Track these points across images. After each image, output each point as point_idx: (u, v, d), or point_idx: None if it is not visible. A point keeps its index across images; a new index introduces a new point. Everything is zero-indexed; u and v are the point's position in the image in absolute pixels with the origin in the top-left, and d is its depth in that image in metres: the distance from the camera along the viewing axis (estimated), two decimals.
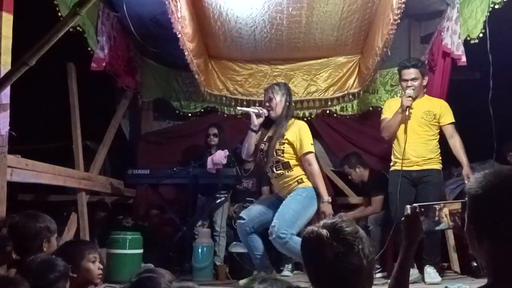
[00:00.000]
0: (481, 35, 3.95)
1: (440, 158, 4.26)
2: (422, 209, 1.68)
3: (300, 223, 3.73)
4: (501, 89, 3.76)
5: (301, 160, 3.87)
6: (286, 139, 3.88)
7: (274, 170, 3.91)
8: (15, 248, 2.57)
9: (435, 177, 4.18)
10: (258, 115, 3.99)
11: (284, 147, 3.87)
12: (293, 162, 3.87)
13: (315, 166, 3.86)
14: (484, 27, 3.89)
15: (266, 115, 3.98)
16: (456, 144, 4.19)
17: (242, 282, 3.81)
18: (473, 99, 4.96)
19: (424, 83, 4.32)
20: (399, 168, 4.21)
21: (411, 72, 4.26)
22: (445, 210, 1.68)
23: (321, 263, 1.45)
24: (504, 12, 3.81)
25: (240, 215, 4.04)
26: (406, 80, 4.26)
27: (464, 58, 4.37)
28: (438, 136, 4.26)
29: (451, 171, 5.55)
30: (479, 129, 4.51)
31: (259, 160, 4.07)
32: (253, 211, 3.93)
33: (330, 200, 3.84)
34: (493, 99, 3.71)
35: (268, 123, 4.02)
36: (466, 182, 4.08)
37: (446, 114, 4.25)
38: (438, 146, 4.26)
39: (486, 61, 3.71)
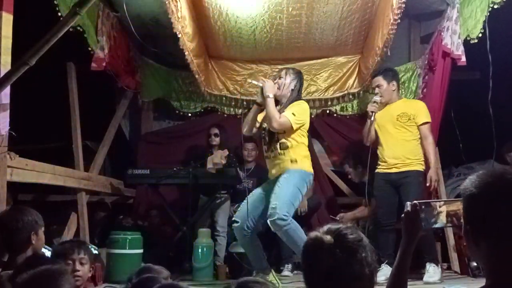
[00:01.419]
0: (480, 35, 3.96)
1: (422, 159, 4.31)
2: (423, 206, 1.67)
3: (296, 205, 3.77)
4: (501, 89, 3.76)
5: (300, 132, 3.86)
6: None
7: (273, 150, 3.89)
8: (3, 242, 2.57)
9: (415, 178, 4.24)
10: None
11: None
12: (291, 143, 3.83)
13: (282, 120, 3.74)
14: (484, 27, 3.89)
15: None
16: (427, 146, 4.28)
17: None
18: (473, 99, 4.96)
19: (393, 88, 4.44)
20: (379, 171, 4.39)
21: (374, 81, 4.50)
22: (443, 208, 1.67)
23: (321, 270, 1.42)
24: (504, 12, 3.81)
25: (233, 218, 4.03)
26: (373, 88, 4.51)
27: (464, 58, 4.38)
28: (418, 137, 4.32)
29: (451, 171, 5.56)
30: (479, 129, 4.51)
31: (260, 139, 4.05)
32: (243, 210, 3.91)
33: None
34: (493, 99, 3.71)
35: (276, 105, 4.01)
36: (427, 184, 4.22)
37: (420, 114, 4.33)
38: (419, 147, 4.32)
39: (486, 61, 3.71)
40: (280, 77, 3.97)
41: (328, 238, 1.44)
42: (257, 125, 4.02)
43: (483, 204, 1.27)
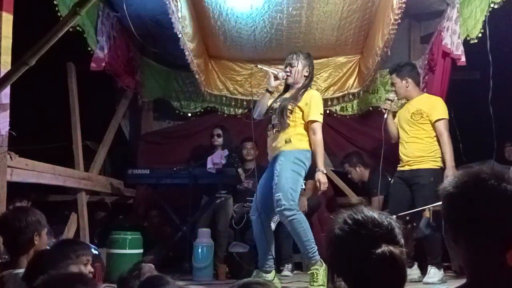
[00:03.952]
0: (480, 35, 3.96)
1: (437, 156, 4.22)
2: (407, 218, 1.68)
3: (298, 189, 3.77)
4: (501, 89, 3.76)
5: (308, 128, 3.86)
6: (298, 105, 3.86)
7: (275, 127, 3.89)
8: (6, 243, 2.56)
9: (426, 178, 4.13)
10: (276, 77, 4.00)
11: (293, 108, 3.86)
12: (293, 124, 3.84)
13: (319, 136, 3.81)
14: (484, 27, 3.89)
15: (285, 78, 4.00)
16: (443, 143, 4.18)
17: None
18: (473, 99, 4.96)
19: (407, 85, 4.37)
20: (398, 169, 4.36)
21: (391, 78, 4.50)
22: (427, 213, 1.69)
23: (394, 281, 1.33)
24: (503, 12, 3.81)
25: (250, 214, 4.09)
26: (391, 85, 4.52)
27: (463, 58, 4.37)
28: (434, 135, 4.24)
29: None
30: (479, 129, 4.51)
31: (267, 118, 4.05)
32: (257, 203, 3.90)
33: (325, 171, 3.83)
34: (493, 99, 3.71)
35: (288, 88, 4.06)
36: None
37: (433, 111, 4.24)
38: (434, 144, 4.23)
39: (486, 61, 3.71)
40: (292, 66, 3.97)
41: (397, 252, 1.33)
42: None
43: (459, 202, 1.29)
